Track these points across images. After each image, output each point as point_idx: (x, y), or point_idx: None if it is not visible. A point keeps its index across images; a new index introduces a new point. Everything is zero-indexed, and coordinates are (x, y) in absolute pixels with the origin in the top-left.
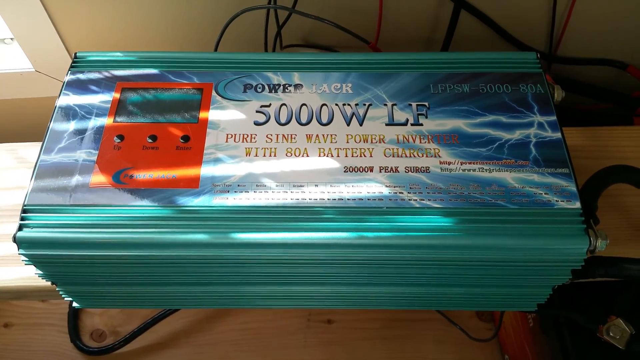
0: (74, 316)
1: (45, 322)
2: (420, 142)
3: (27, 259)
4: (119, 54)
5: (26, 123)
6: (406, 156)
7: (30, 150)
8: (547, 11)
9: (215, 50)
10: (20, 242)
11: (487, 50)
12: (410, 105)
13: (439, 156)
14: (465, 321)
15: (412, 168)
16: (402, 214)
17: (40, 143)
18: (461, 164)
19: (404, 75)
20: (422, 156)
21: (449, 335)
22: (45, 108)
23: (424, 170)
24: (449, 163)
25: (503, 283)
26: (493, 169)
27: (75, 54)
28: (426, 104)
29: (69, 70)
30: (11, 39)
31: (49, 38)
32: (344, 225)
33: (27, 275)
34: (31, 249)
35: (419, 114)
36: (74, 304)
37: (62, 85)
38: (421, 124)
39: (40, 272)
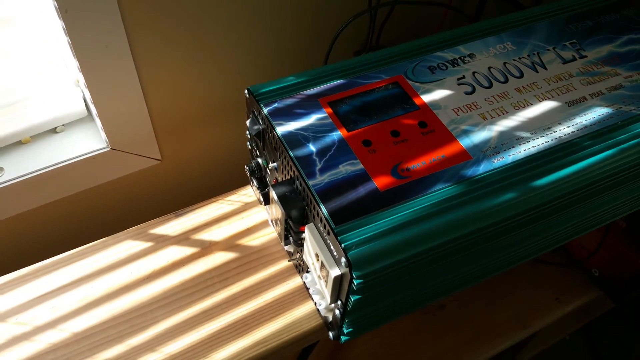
0: None
1: None
2: (598, 69)
3: (359, 282)
4: (291, 78)
5: (111, 208)
6: (598, 81)
7: (159, 228)
8: None
9: (325, 62)
10: (355, 263)
11: None
12: (565, 45)
13: (619, 74)
14: (542, 257)
15: (610, 88)
16: (633, 122)
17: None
18: None
19: (540, 26)
20: (608, 78)
21: (541, 274)
22: (122, 189)
23: (619, 87)
24: (631, 76)
25: None
26: None
27: (249, 89)
28: (575, 40)
29: (259, 103)
30: (63, 125)
31: (136, 110)
32: (602, 145)
33: None
34: (366, 266)
35: (577, 49)
36: (343, 338)
37: (264, 118)
38: (586, 56)
39: (359, 297)
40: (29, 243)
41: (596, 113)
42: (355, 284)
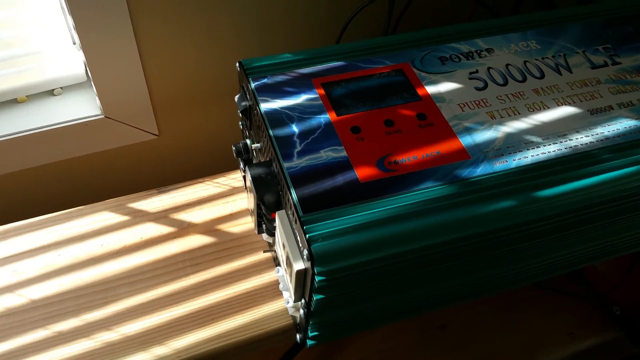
0: None
1: None
2: (631, 77)
3: (321, 279)
4: (289, 55)
5: (103, 180)
6: (630, 91)
7: (138, 203)
8: None
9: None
10: (318, 258)
11: None
12: (598, 49)
13: None
14: (558, 286)
15: None
16: None
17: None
18: None
19: (572, 27)
20: None
21: (558, 304)
22: (117, 161)
23: None
24: None
25: None
26: None
27: (241, 62)
28: (609, 46)
29: (248, 77)
30: (61, 88)
31: (133, 79)
32: (625, 160)
33: None
34: (330, 262)
35: (611, 55)
36: (309, 343)
37: (251, 93)
38: (620, 63)
39: (322, 296)
40: (10, 204)
41: (622, 125)
42: (316, 281)
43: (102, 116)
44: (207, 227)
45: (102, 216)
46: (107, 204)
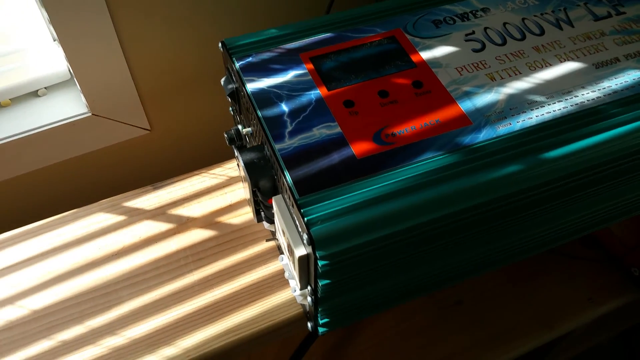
0: None
1: None
2: (638, 27)
3: (324, 264)
4: (273, 30)
5: (97, 180)
6: (637, 41)
7: (134, 201)
8: None
9: (328, 12)
10: (319, 241)
11: None
12: (601, 0)
13: None
14: (572, 252)
15: None
16: None
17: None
18: None
19: None
20: None
21: (573, 271)
22: (110, 160)
23: None
24: None
25: None
26: None
27: (223, 42)
28: None
29: (232, 57)
30: (45, 88)
31: (117, 73)
32: (634, 113)
33: None
34: (332, 245)
35: (614, 5)
36: (320, 330)
37: (236, 73)
38: (624, 12)
39: (328, 282)
40: (1, 213)
41: (630, 77)
42: (320, 265)
43: (89, 114)
44: (207, 221)
45: (97, 218)
46: (102, 204)
